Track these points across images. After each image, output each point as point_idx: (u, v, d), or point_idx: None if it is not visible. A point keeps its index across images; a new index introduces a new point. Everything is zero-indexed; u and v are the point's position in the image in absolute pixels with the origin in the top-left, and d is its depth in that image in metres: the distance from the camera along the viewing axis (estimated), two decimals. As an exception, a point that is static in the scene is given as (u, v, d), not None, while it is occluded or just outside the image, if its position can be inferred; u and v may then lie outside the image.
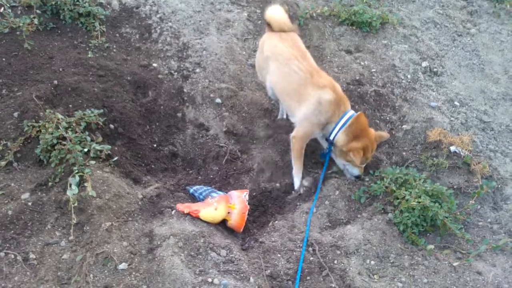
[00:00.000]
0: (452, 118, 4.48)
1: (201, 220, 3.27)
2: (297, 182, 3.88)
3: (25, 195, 3.16)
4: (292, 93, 3.78)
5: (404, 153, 4.09)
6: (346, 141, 3.62)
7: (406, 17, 5.71)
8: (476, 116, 4.60)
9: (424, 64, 5.12)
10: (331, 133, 3.69)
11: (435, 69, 5.09)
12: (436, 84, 4.94)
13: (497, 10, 5.96)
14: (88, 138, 3.45)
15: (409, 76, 4.95)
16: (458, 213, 3.51)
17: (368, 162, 3.77)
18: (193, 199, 3.56)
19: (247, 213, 3.39)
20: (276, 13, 3.97)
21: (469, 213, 3.63)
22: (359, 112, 3.66)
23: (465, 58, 5.33)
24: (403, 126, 4.31)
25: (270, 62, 3.89)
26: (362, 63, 4.99)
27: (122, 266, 2.84)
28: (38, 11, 4.43)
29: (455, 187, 3.76)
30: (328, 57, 5.02)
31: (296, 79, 3.72)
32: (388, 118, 4.43)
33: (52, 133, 3.33)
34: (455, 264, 3.21)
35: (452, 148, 3.95)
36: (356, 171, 3.78)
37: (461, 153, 3.93)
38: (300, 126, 3.77)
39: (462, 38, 5.59)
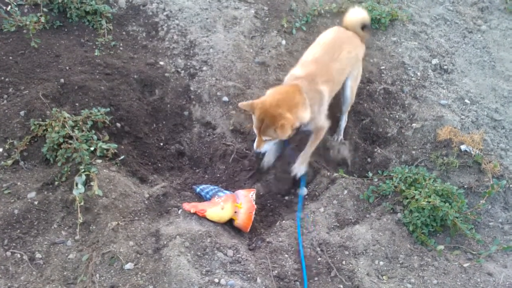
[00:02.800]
0: (462, 116, 4.42)
1: (207, 219, 3.25)
2: None
3: (32, 194, 3.15)
4: None
5: (413, 152, 4.04)
6: None
7: (416, 13, 5.63)
8: (487, 114, 4.53)
9: (434, 61, 5.05)
10: None
11: (445, 67, 5.02)
12: (446, 82, 4.87)
13: (508, 6, 5.87)
14: (95, 137, 3.44)
15: (418, 74, 4.88)
16: (469, 213, 3.46)
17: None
18: (200, 198, 3.54)
19: (254, 212, 3.36)
20: (353, 16, 4.10)
21: (479, 213, 3.58)
22: None
23: (475, 55, 5.26)
24: (413, 125, 4.26)
25: None
26: (371, 60, 4.93)
27: (128, 265, 2.82)
28: (45, 9, 4.42)
29: (465, 186, 3.71)
30: (336, 55, 4.97)
31: None
32: (397, 116, 4.38)
33: (58, 132, 3.32)
34: (465, 265, 3.16)
35: (463, 147, 3.89)
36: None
37: (472, 152, 3.87)
38: None
39: (472, 35, 5.51)
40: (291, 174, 3.77)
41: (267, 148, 3.54)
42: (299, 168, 3.75)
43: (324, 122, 3.69)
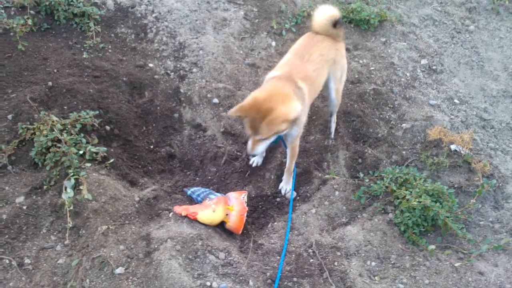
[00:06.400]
0: (452, 116, 4.44)
1: (199, 222, 3.23)
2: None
3: (20, 199, 3.10)
4: None
5: (404, 152, 4.04)
6: None
7: (405, 14, 5.66)
8: (476, 114, 4.56)
9: (423, 61, 5.07)
10: None
11: (434, 67, 5.05)
12: (435, 82, 4.89)
13: (495, 6, 5.92)
14: (84, 140, 3.40)
15: (408, 74, 4.90)
16: (459, 212, 3.47)
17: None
18: (191, 201, 3.52)
19: (245, 214, 3.34)
20: (319, 16, 3.78)
21: (470, 213, 3.59)
22: None
23: (464, 56, 5.29)
24: (403, 125, 4.27)
25: None
26: (361, 61, 4.94)
27: (119, 270, 2.79)
28: (32, 12, 4.37)
29: (455, 186, 3.72)
30: (326, 56, 4.97)
31: None
32: (387, 116, 4.38)
33: (47, 136, 3.28)
34: (456, 264, 3.17)
35: (453, 147, 3.91)
36: None
37: (462, 151, 3.89)
38: None
39: (461, 35, 5.55)
40: (281, 193, 3.84)
41: (262, 149, 3.29)
42: (286, 186, 3.83)
43: (299, 136, 3.56)
